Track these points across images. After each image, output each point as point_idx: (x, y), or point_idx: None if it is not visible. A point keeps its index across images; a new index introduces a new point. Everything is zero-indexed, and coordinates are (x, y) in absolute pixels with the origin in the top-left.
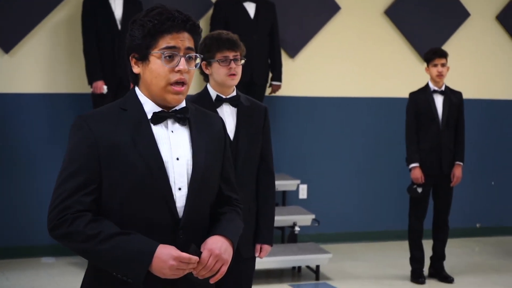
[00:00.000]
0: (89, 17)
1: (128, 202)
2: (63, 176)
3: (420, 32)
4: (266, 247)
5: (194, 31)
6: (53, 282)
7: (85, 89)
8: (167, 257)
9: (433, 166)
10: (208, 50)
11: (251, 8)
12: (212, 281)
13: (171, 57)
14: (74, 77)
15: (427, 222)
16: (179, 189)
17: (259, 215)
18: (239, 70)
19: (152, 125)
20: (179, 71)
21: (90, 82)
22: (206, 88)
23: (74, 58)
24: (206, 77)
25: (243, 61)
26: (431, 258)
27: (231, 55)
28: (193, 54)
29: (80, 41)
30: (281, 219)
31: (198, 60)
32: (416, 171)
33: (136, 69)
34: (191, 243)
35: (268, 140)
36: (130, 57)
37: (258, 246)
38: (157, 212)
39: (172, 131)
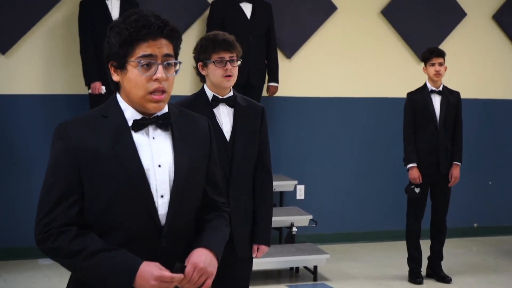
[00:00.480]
0: (86, 18)
1: (109, 211)
2: (47, 186)
3: (417, 32)
4: (263, 248)
5: (172, 36)
6: (50, 284)
7: (82, 90)
8: (148, 276)
9: (430, 166)
10: (204, 51)
11: (247, 8)
12: None
13: (148, 65)
14: (71, 78)
15: (424, 222)
16: (161, 196)
17: (257, 215)
18: (235, 72)
19: (133, 132)
20: (156, 79)
21: (88, 83)
22: (202, 88)
23: (71, 59)
24: (202, 78)
25: (239, 62)
26: (429, 258)
27: (227, 56)
28: (171, 61)
29: (77, 42)
30: (279, 219)
31: (178, 66)
32: (413, 171)
33: (115, 77)
34: (173, 259)
35: (266, 140)
36: (108, 65)
37: (255, 247)
38: (139, 220)
39: (153, 138)
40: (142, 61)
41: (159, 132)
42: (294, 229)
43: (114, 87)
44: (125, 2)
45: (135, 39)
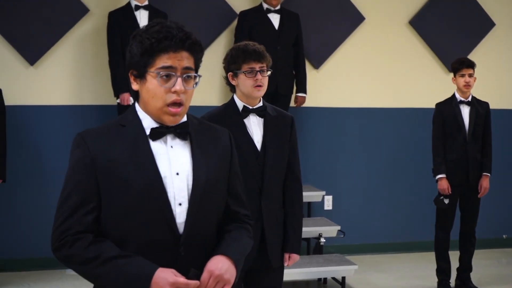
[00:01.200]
0: (114, 29)
1: (127, 219)
2: (64, 194)
3: (445, 42)
4: (294, 256)
5: (194, 49)
6: None
7: (111, 100)
8: (163, 282)
9: (460, 177)
10: (234, 61)
11: (275, 19)
12: None
13: (167, 77)
14: (99, 89)
15: (453, 233)
16: (179, 204)
17: (287, 224)
18: (265, 82)
19: (150, 141)
20: (175, 91)
21: (117, 94)
22: (232, 98)
23: (100, 70)
24: (232, 88)
25: (269, 73)
26: (458, 269)
27: (257, 66)
28: (191, 74)
29: (105, 53)
30: (307, 230)
31: (197, 79)
32: (442, 182)
33: (134, 86)
34: (190, 267)
35: (295, 150)
36: (129, 73)
37: (286, 255)
38: (156, 228)
39: (171, 146)
40: (161, 72)
41: (177, 141)
42: (322, 239)
43: (133, 96)
44: (154, 12)
45: (156, 50)
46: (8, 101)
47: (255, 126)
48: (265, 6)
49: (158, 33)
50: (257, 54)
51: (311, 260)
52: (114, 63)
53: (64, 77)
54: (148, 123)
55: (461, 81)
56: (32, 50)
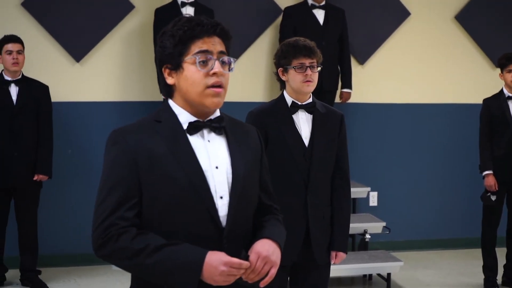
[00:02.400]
0: (161, 25)
1: (170, 214)
2: (104, 192)
3: (491, 37)
4: (341, 254)
5: (225, 36)
6: None
7: (157, 97)
8: (217, 262)
9: (507, 173)
10: (284, 57)
11: (320, 14)
12: (261, 284)
13: (205, 62)
14: (145, 85)
15: (500, 230)
16: (221, 197)
17: (334, 222)
18: (315, 77)
19: (188, 135)
20: (214, 74)
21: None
22: (282, 94)
23: (146, 66)
24: (282, 84)
25: (319, 68)
26: (505, 266)
27: (307, 62)
28: (226, 58)
29: (151, 50)
30: (352, 226)
31: (232, 65)
32: (489, 179)
33: (170, 80)
34: (241, 249)
35: (344, 147)
36: (162, 69)
37: (333, 253)
38: (200, 222)
39: (208, 141)
40: (199, 57)
41: (213, 135)
42: (367, 236)
43: (165, 93)
44: (200, 9)
45: (190, 36)
46: (55, 98)
47: (303, 122)
48: (310, 2)
49: (189, 22)
50: (308, 50)
51: (356, 257)
52: None
53: (110, 74)
54: (184, 118)
55: (509, 77)
56: (78, 47)
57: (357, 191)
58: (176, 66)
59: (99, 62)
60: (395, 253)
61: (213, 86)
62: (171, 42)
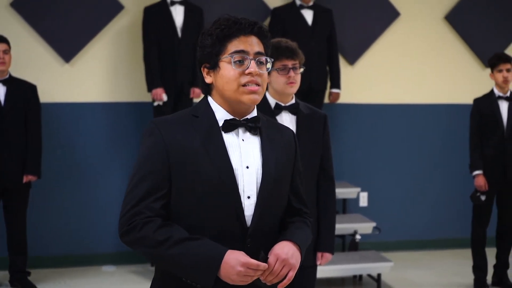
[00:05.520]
0: (150, 24)
1: (197, 208)
2: (135, 181)
3: (482, 37)
4: (327, 255)
5: (262, 34)
6: None
7: (146, 97)
8: (235, 262)
9: (497, 173)
10: None
11: (308, 15)
12: (280, 287)
13: (241, 62)
14: (135, 86)
15: (490, 230)
16: (248, 197)
17: (320, 223)
18: (298, 79)
19: (223, 132)
20: (249, 73)
21: (150, 89)
22: (265, 96)
23: (135, 67)
24: None
25: (302, 70)
26: (495, 266)
27: (290, 63)
28: (263, 58)
29: (141, 50)
30: (342, 227)
31: (269, 65)
32: (479, 179)
33: (208, 79)
34: (260, 250)
35: (328, 148)
36: (202, 68)
37: (319, 254)
38: (225, 220)
39: (243, 140)
40: (235, 56)
41: (248, 135)
42: (358, 236)
43: (205, 91)
44: (189, 9)
45: (227, 35)
46: (44, 98)
47: (287, 123)
48: (298, 2)
49: (227, 21)
50: (290, 51)
51: (346, 257)
52: (148, 59)
53: (99, 74)
54: (221, 115)
55: (499, 76)
56: (68, 48)
57: (347, 192)
58: (214, 65)
59: (89, 63)
60: (385, 254)
61: (248, 83)
62: (209, 42)
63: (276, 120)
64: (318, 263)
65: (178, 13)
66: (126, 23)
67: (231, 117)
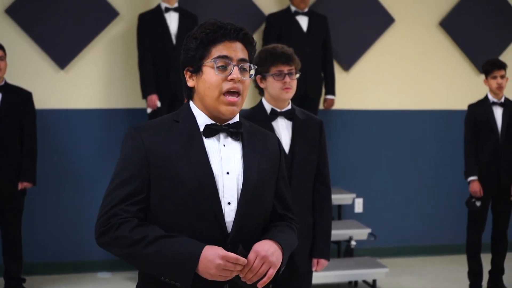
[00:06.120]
0: (144, 31)
1: (176, 214)
2: (113, 185)
3: (476, 43)
4: (322, 261)
5: (247, 41)
6: None
7: (141, 104)
8: (213, 256)
9: (492, 179)
10: (262, 64)
11: (303, 21)
12: (259, 285)
13: (224, 67)
14: (129, 93)
15: (485, 236)
16: (229, 203)
17: (316, 229)
18: (294, 84)
19: (204, 138)
20: (232, 79)
21: (145, 95)
22: (261, 102)
23: (130, 73)
24: (261, 91)
25: (298, 75)
26: (490, 272)
27: (285, 69)
28: (246, 65)
29: (136, 56)
30: (337, 233)
31: (252, 72)
32: (474, 185)
33: (190, 83)
34: (239, 244)
35: (324, 154)
36: (184, 71)
37: (315, 260)
38: (205, 226)
39: (224, 145)
40: (218, 61)
41: (229, 140)
42: (353, 242)
43: (187, 95)
44: (184, 15)
45: (211, 39)
46: (39, 105)
47: (283, 129)
48: (293, 8)
49: (212, 25)
50: (286, 57)
51: (342, 263)
52: (143, 65)
53: (94, 81)
54: (202, 120)
55: (493, 83)
56: (62, 54)
57: (342, 198)
58: (197, 69)
59: (84, 69)
60: (380, 260)
61: (230, 92)
62: (193, 45)
63: (271, 126)
64: (313, 269)
65: (172, 20)
66: (121, 29)
67: (212, 122)
